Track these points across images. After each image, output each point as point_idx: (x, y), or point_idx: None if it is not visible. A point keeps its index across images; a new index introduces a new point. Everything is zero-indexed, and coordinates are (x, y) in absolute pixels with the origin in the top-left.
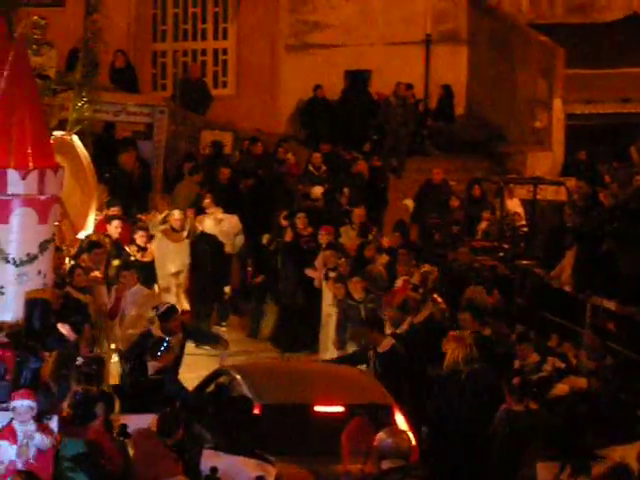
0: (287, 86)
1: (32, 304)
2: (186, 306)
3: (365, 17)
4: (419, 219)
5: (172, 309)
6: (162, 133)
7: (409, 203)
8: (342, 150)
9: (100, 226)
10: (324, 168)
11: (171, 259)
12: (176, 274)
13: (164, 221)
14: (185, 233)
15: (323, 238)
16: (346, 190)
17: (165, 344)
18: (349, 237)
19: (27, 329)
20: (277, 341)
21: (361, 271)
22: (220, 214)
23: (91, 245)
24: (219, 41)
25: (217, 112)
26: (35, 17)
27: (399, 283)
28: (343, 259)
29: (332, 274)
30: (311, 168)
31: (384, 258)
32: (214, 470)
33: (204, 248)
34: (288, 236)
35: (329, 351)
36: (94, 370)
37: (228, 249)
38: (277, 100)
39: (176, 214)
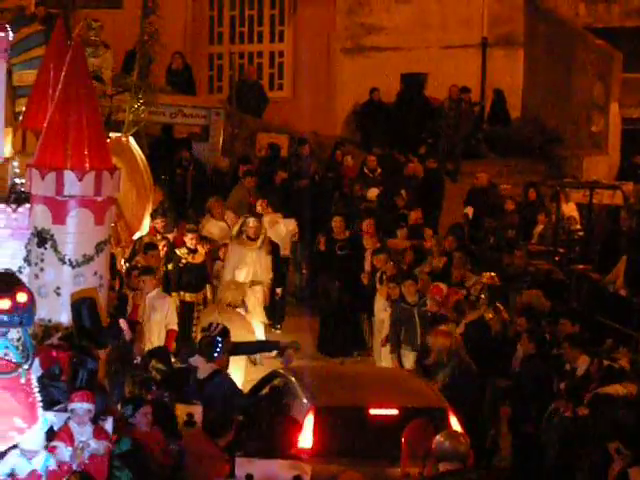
0: (343, 89)
1: (79, 304)
2: (263, 320)
3: (421, 20)
4: (472, 222)
5: (225, 333)
6: (218, 135)
7: (469, 211)
8: (397, 153)
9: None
10: (379, 171)
11: (245, 268)
12: (251, 285)
13: (240, 230)
14: (259, 242)
15: (367, 242)
16: (403, 192)
17: (220, 345)
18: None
19: (79, 329)
20: (321, 347)
21: (413, 274)
22: (277, 217)
23: (146, 247)
24: (275, 44)
25: (273, 114)
26: (90, 19)
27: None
28: (391, 263)
29: (384, 277)
30: (366, 170)
31: (442, 260)
32: (250, 477)
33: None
34: (322, 245)
35: (383, 355)
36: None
37: (284, 252)
38: (333, 103)
39: (251, 222)
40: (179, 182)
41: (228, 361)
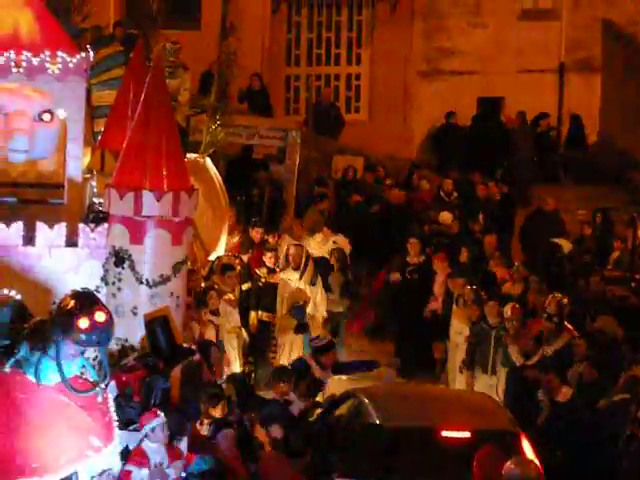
0: (419, 112)
1: (153, 324)
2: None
3: (498, 44)
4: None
5: (331, 345)
6: (294, 157)
7: (564, 244)
8: (473, 177)
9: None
10: (455, 195)
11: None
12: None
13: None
14: (301, 270)
15: (438, 266)
16: (480, 217)
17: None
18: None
19: (152, 349)
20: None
21: (497, 295)
22: (330, 234)
23: (223, 268)
24: (352, 66)
25: (349, 137)
26: (170, 42)
27: (508, 310)
28: (469, 286)
29: (462, 301)
30: (442, 194)
31: (519, 287)
32: None
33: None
34: (394, 276)
35: (458, 377)
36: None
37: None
38: (409, 126)
39: (291, 249)
40: (256, 203)
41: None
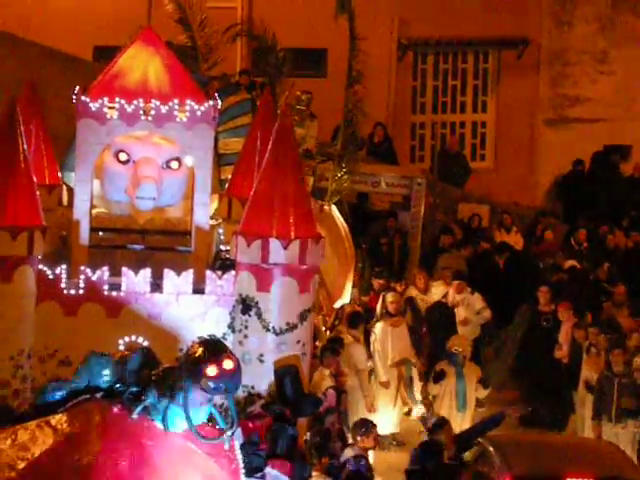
0: (545, 160)
1: (282, 372)
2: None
3: (626, 91)
4: None
5: (442, 422)
6: (420, 205)
7: None
8: (601, 225)
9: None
10: (586, 245)
11: (392, 346)
12: (398, 363)
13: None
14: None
15: (563, 315)
16: (606, 266)
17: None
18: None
19: (280, 397)
20: (524, 417)
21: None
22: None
23: (351, 317)
24: (478, 114)
25: (474, 185)
26: (302, 92)
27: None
28: (603, 335)
29: (594, 350)
30: (573, 242)
31: None
32: None
33: (436, 316)
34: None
35: (587, 429)
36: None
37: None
38: (535, 174)
39: (390, 297)
40: (385, 251)
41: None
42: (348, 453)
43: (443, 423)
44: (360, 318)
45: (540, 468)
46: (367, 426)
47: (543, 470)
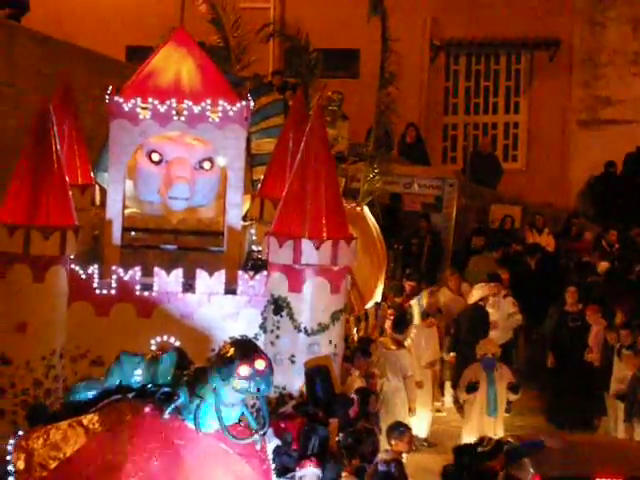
0: (577, 161)
1: (313, 372)
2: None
3: None
4: None
5: (498, 447)
6: (452, 206)
7: None
8: (632, 227)
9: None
10: (617, 246)
11: (425, 347)
12: (431, 364)
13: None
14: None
15: (591, 318)
16: (638, 268)
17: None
18: None
19: (311, 398)
20: (553, 418)
21: None
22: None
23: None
24: (510, 115)
25: (506, 186)
26: (333, 92)
27: None
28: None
29: (626, 352)
30: (604, 244)
31: None
32: None
33: (471, 318)
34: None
35: (619, 430)
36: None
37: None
38: (567, 175)
39: (424, 297)
40: (415, 252)
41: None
42: (383, 457)
43: (499, 450)
44: (405, 322)
45: (570, 468)
46: (401, 429)
47: (573, 470)
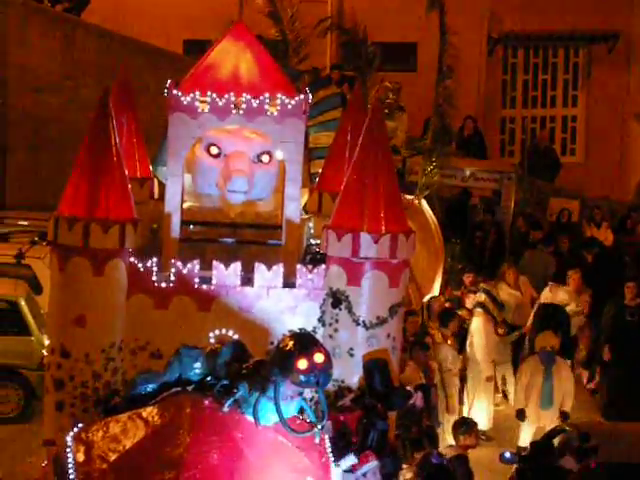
0: (636, 154)
1: (371, 365)
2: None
3: None
4: None
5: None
6: (510, 199)
7: None
8: None
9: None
10: None
11: (489, 341)
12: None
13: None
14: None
15: None
16: None
17: None
18: None
19: (370, 391)
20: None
21: None
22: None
23: (443, 314)
24: (568, 108)
25: (565, 179)
26: (390, 82)
27: None
28: None
29: None
30: None
31: None
32: None
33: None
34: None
35: None
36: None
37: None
38: (626, 168)
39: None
40: (478, 245)
41: None
42: (448, 452)
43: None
44: (451, 316)
45: (630, 456)
46: (469, 425)
47: (633, 458)
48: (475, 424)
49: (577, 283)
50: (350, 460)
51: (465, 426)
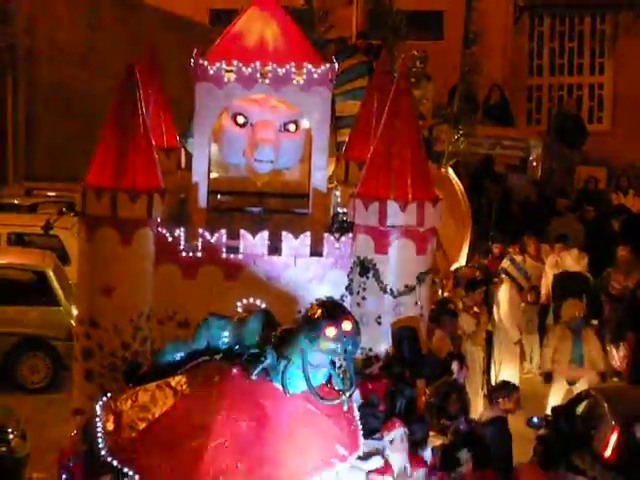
0: None
1: (400, 333)
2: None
3: None
4: None
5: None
6: (536, 167)
7: None
8: None
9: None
10: None
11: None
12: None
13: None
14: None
15: None
16: None
17: None
18: None
19: (398, 358)
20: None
21: None
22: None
23: (469, 284)
24: (595, 76)
25: (592, 147)
26: (417, 51)
27: None
28: None
29: None
30: None
31: None
32: None
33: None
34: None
35: None
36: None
37: None
38: None
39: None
40: (485, 212)
41: None
42: (487, 414)
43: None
44: (477, 285)
45: None
46: (510, 388)
47: None
48: (517, 388)
49: (627, 259)
50: (376, 462)
51: (507, 389)
